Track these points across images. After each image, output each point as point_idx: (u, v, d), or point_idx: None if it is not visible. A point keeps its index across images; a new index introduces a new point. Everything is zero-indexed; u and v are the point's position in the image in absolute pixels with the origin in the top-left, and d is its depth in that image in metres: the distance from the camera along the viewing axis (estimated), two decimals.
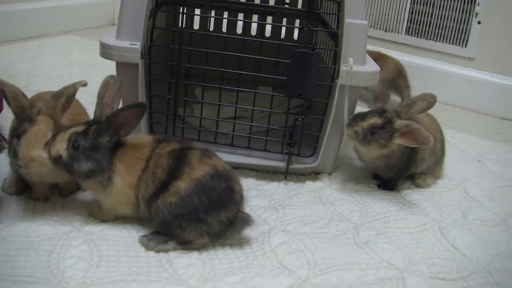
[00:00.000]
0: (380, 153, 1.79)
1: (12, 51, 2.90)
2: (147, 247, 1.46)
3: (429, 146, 1.76)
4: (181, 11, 2.16)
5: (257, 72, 1.78)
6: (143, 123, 1.78)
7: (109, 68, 2.06)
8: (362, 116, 1.76)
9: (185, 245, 1.46)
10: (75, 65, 2.03)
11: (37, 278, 1.30)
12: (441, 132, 1.99)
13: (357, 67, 1.75)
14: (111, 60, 1.73)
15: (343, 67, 1.74)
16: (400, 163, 1.83)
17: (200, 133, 1.84)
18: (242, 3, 2.25)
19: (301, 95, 1.74)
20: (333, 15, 1.85)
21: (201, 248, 1.47)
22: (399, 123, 1.73)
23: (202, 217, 1.43)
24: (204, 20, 2.50)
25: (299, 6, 2.46)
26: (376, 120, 1.74)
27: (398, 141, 1.73)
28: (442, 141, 1.99)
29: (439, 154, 1.97)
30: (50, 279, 1.31)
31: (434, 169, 1.99)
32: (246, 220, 1.47)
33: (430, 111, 1.86)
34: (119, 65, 1.74)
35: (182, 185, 1.42)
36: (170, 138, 1.54)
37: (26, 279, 1.30)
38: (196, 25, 2.53)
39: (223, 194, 1.45)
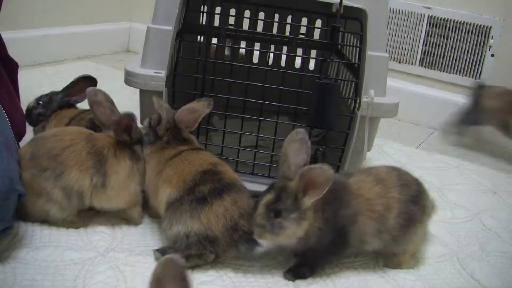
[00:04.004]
0: (302, 231, 1.44)
1: (30, 75, 2.93)
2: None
3: (369, 224, 1.50)
4: (198, 40, 2.19)
5: (278, 102, 1.80)
6: None
7: (126, 94, 2.09)
8: (253, 209, 1.47)
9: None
10: None
11: None
12: (404, 202, 1.54)
13: (377, 98, 1.77)
14: (136, 87, 1.76)
15: (364, 99, 1.76)
16: (321, 246, 1.49)
17: None
18: (263, 33, 2.28)
19: (322, 125, 1.77)
20: (354, 47, 1.88)
21: None
22: (292, 183, 1.43)
23: None
24: (220, 50, 2.53)
25: (316, 36, 2.49)
26: (268, 198, 1.44)
27: (308, 200, 1.42)
28: (402, 214, 1.53)
29: (396, 230, 1.53)
30: None
31: (401, 246, 1.58)
32: None
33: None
34: (143, 92, 1.77)
35: None
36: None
37: None
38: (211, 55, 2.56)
39: None
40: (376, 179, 1.55)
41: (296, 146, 1.45)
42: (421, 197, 1.58)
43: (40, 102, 1.93)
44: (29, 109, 1.95)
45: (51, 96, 1.94)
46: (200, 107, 1.66)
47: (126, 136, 1.61)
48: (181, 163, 1.56)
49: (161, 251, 1.52)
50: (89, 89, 1.66)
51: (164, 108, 1.62)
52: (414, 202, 1.55)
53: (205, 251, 1.46)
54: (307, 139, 1.45)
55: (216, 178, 1.50)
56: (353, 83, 1.84)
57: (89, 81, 1.94)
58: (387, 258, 1.62)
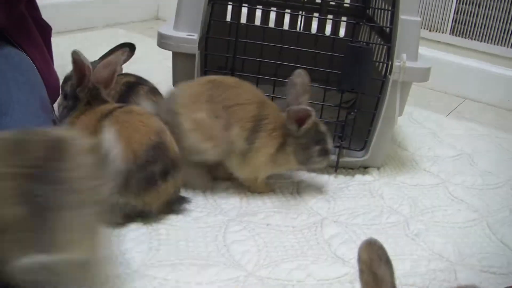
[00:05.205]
0: None
1: (61, 42, 2.94)
2: None
3: None
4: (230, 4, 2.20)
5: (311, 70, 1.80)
6: None
7: (156, 60, 2.10)
8: None
9: None
10: None
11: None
12: None
13: (409, 63, 1.76)
14: (169, 50, 1.77)
15: (396, 63, 1.76)
16: None
17: None
18: None
19: (353, 89, 1.77)
20: (386, 11, 1.88)
21: None
22: None
23: None
24: (250, 16, 2.52)
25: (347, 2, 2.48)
26: None
27: None
28: None
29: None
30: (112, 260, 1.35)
31: None
32: None
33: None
34: (175, 55, 1.79)
35: None
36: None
37: None
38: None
39: None
40: None
41: None
42: None
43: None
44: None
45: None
46: (113, 58, 1.65)
47: (294, 127, 1.61)
48: (122, 127, 1.45)
49: None
50: (297, 71, 1.67)
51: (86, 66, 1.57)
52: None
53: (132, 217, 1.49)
54: None
55: (164, 156, 1.48)
56: (384, 48, 1.83)
57: (128, 48, 1.94)
58: None
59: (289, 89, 1.66)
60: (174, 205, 1.55)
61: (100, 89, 1.60)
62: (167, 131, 1.54)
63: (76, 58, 1.55)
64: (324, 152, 1.66)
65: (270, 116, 1.63)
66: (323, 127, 1.66)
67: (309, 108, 1.59)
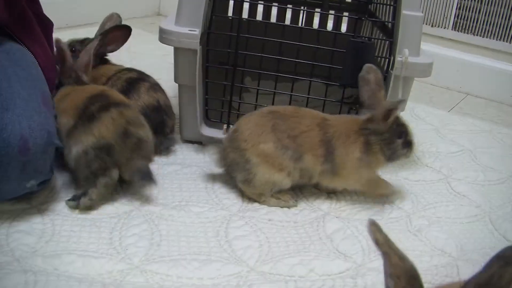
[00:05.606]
0: None
1: (62, 38, 2.94)
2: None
3: None
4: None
5: (312, 65, 1.80)
6: (199, 109, 1.82)
7: (158, 55, 2.09)
8: None
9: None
10: (123, 52, 2.07)
11: (101, 254, 1.35)
12: None
13: (412, 58, 1.76)
14: (170, 45, 1.76)
15: (398, 58, 1.75)
16: None
17: None
18: None
19: (355, 84, 1.76)
20: (388, 6, 1.87)
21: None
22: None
23: None
24: (252, 11, 2.52)
25: None
26: None
27: None
28: None
29: None
30: (113, 255, 1.35)
31: None
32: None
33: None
34: (177, 50, 1.78)
35: None
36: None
37: (91, 254, 1.34)
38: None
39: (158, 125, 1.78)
40: None
41: None
42: None
43: (74, 49, 1.94)
44: None
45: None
46: (89, 46, 1.79)
47: (383, 126, 1.61)
48: (74, 94, 1.65)
49: (73, 199, 1.53)
50: (366, 65, 1.66)
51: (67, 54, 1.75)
52: None
53: (106, 164, 1.50)
54: None
55: (103, 99, 1.57)
56: (386, 44, 1.83)
57: (125, 29, 1.94)
58: None
59: (362, 86, 1.65)
60: (138, 172, 1.55)
61: (81, 74, 1.73)
62: (116, 93, 1.68)
63: (58, 47, 1.73)
64: (408, 144, 1.65)
65: (336, 132, 1.61)
66: (402, 120, 1.66)
67: (394, 102, 1.60)
